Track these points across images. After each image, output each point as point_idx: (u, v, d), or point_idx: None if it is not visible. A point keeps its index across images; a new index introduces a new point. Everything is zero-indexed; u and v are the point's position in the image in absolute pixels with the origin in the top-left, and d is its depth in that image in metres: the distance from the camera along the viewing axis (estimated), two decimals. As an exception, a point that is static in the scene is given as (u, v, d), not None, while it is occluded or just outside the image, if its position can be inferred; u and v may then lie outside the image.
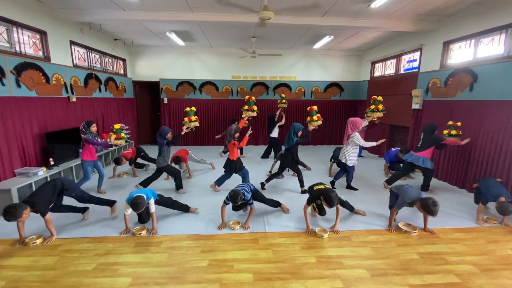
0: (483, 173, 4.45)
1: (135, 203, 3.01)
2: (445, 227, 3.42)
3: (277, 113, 6.92)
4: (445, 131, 4.51)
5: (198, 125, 4.85)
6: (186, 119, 4.72)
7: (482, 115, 4.48)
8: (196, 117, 4.79)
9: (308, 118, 4.82)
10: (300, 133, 4.56)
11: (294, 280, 2.39)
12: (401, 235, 3.23)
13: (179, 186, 4.58)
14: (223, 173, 4.61)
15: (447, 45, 5.34)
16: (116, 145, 4.54)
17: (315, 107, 4.85)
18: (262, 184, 4.77)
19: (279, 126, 6.75)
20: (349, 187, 4.81)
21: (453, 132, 4.43)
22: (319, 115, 4.79)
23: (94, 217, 3.62)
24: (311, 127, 4.70)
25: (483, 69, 4.49)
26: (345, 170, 4.75)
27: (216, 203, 4.00)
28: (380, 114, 4.88)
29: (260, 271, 2.52)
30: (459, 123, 4.47)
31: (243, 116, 7.20)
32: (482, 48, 4.65)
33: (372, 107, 5.04)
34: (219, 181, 4.64)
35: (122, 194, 4.44)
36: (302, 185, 4.67)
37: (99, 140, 4.44)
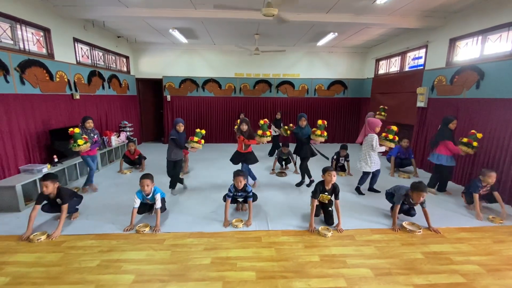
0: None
1: (144, 174, 3.34)
2: (450, 226, 3.38)
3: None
4: (465, 139, 4.07)
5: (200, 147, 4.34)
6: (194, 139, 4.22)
7: (489, 113, 4.41)
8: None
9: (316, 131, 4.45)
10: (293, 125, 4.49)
11: (297, 279, 2.38)
12: (406, 234, 3.20)
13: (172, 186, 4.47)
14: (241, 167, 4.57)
15: (453, 42, 5.26)
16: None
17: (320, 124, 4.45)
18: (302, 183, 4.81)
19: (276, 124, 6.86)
20: (357, 189, 4.53)
21: (465, 140, 4.05)
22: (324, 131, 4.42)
23: (97, 214, 3.64)
24: (316, 141, 4.41)
25: (490, 67, 4.42)
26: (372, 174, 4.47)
27: (219, 201, 4.00)
28: (392, 145, 4.21)
29: (263, 269, 2.52)
30: (479, 135, 4.03)
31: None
32: (489, 45, 4.57)
33: (390, 136, 4.17)
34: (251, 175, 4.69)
35: (126, 189, 4.47)
36: (303, 177, 4.73)
37: (95, 137, 4.42)
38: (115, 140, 6.48)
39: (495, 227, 3.39)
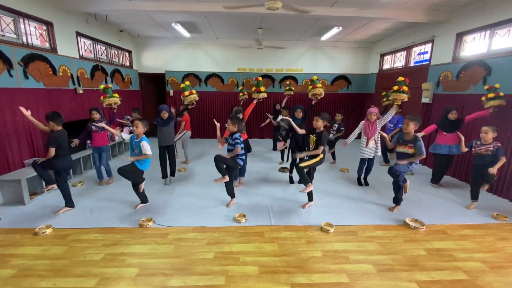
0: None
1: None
2: (454, 223, 3.37)
3: (284, 100, 6.49)
4: (483, 98, 4.10)
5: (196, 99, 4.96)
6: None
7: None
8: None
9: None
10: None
11: (299, 274, 2.39)
12: (408, 230, 3.19)
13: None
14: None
15: (460, 36, 5.17)
16: (112, 106, 4.46)
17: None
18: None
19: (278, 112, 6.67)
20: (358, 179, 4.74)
21: (491, 95, 3.97)
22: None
23: (101, 208, 3.68)
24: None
25: (497, 62, 4.34)
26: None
27: (222, 197, 4.01)
28: (405, 97, 4.06)
29: (265, 264, 2.53)
30: (497, 85, 4.00)
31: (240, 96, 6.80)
32: (497, 40, 4.48)
33: (395, 87, 4.15)
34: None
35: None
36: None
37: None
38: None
39: (499, 224, 3.38)
